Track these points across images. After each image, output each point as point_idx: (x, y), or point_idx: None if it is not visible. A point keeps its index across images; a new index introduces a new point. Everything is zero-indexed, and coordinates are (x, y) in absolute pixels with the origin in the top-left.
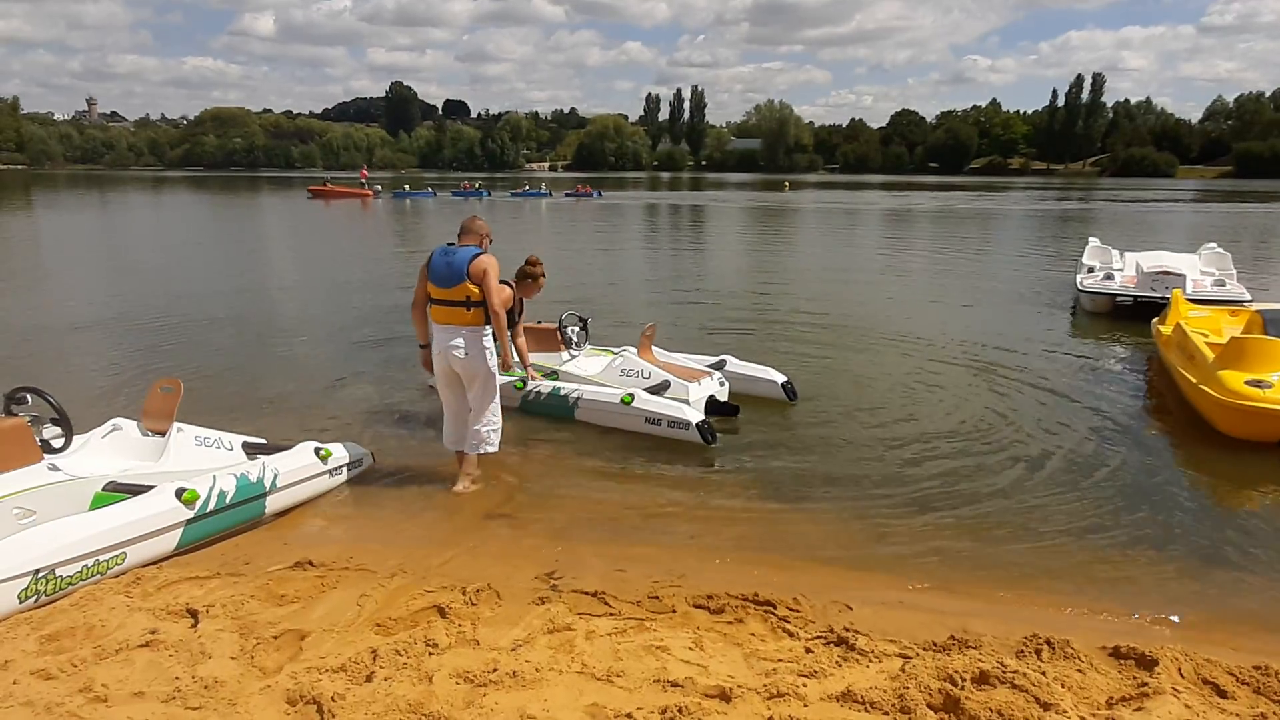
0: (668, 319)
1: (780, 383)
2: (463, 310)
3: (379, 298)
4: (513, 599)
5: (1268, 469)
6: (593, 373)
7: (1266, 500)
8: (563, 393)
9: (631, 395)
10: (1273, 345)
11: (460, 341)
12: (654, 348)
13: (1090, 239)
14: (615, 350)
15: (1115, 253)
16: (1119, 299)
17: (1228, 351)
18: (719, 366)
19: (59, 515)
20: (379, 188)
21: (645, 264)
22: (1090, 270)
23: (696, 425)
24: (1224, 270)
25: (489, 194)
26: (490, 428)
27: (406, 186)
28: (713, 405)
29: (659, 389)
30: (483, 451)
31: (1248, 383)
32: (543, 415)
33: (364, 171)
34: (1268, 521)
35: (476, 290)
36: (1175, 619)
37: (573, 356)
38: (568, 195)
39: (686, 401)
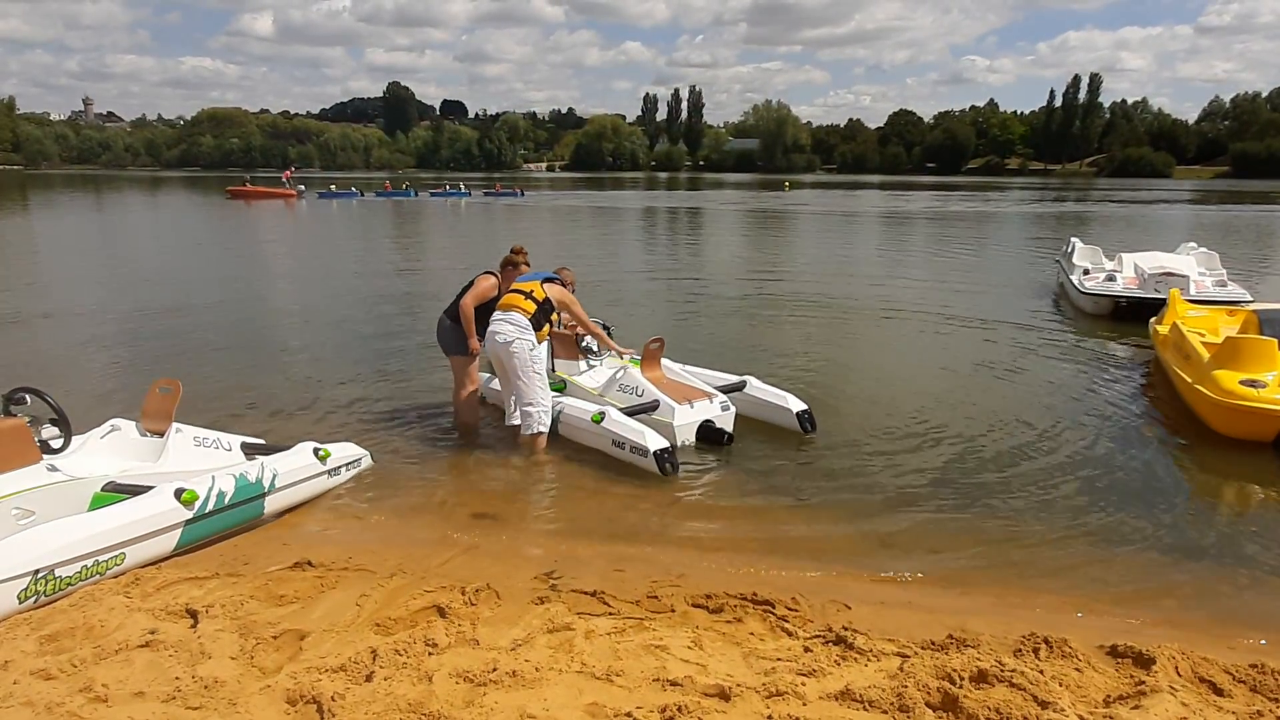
0: (645, 311)
1: (796, 411)
2: (522, 298)
3: (379, 299)
4: (512, 599)
5: (1262, 468)
6: (596, 385)
7: (1261, 499)
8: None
9: (602, 414)
10: (1267, 345)
11: (506, 329)
12: (670, 362)
13: (1073, 240)
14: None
15: (1101, 253)
16: (1121, 300)
17: (1223, 351)
18: (738, 388)
19: (58, 516)
20: (302, 188)
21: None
22: (1086, 272)
23: (654, 454)
24: (1213, 270)
25: (415, 194)
26: (537, 408)
27: (332, 187)
28: (708, 429)
29: (646, 409)
30: (533, 432)
31: (1242, 382)
32: None
33: (288, 173)
34: (1262, 520)
35: (543, 293)
36: (1173, 618)
37: (591, 366)
38: (487, 194)
39: (671, 424)
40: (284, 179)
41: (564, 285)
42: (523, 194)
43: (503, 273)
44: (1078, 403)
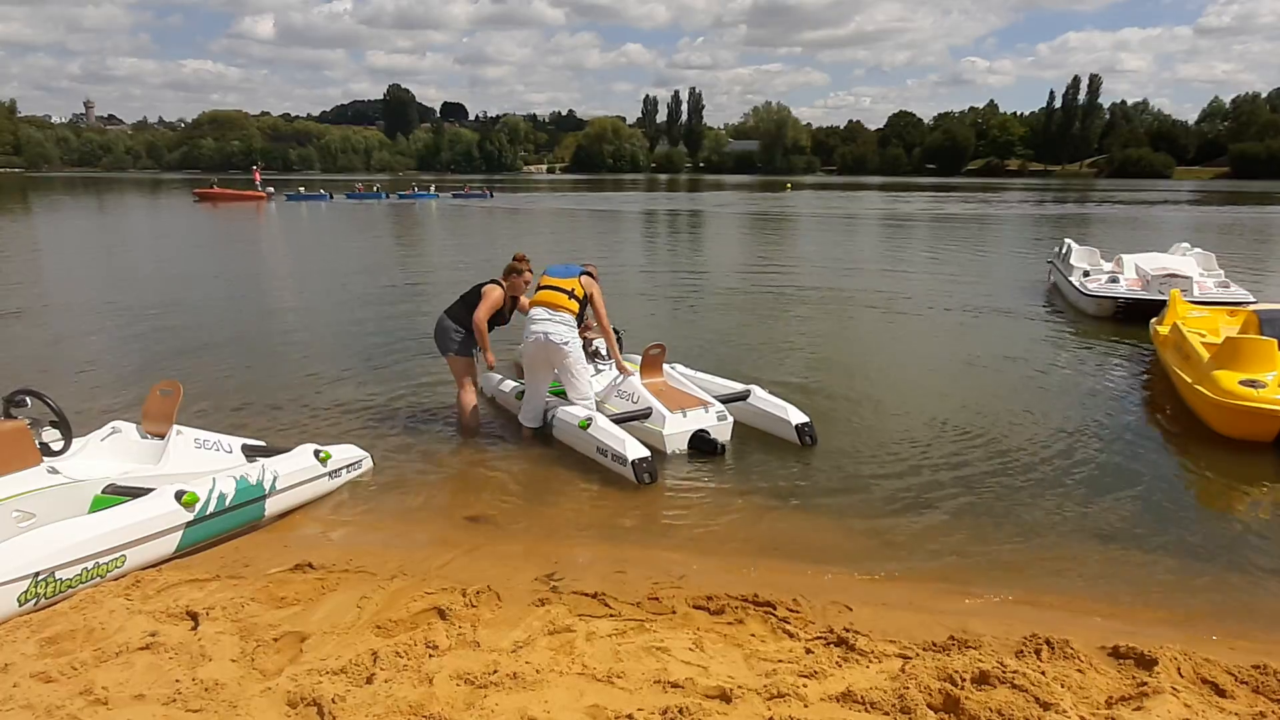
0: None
1: (795, 424)
2: (565, 296)
3: (377, 301)
4: (513, 600)
5: (1263, 468)
6: (598, 390)
7: (1262, 499)
8: (545, 408)
9: (589, 420)
10: (1266, 345)
11: (561, 329)
12: (681, 368)
13: (1067, 241)
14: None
15: (1099, 254)
16: (1122, 302)
17: (1223, 351)
18: (742, 397)
19: (58, 518)
20: (271, 190)
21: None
22: (1086, 274)
23: (632, 463)
24: (1210, 271)
25: (385, 196)
26: (588, 399)
27: (301, 189)
28: (701, 439)
29: (639, 416)
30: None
31: (1242, 383)
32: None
33: (257, 173)
34: (1263, 520)
35: (582, 290)
36: (1175, 618)
37: (598, 370)
38: (456, 196)
39: (662, 432)
40: (254, 180)
41: (594, 275)
42: (491, 195)
43: (507, 281)
44: (1077, 404)
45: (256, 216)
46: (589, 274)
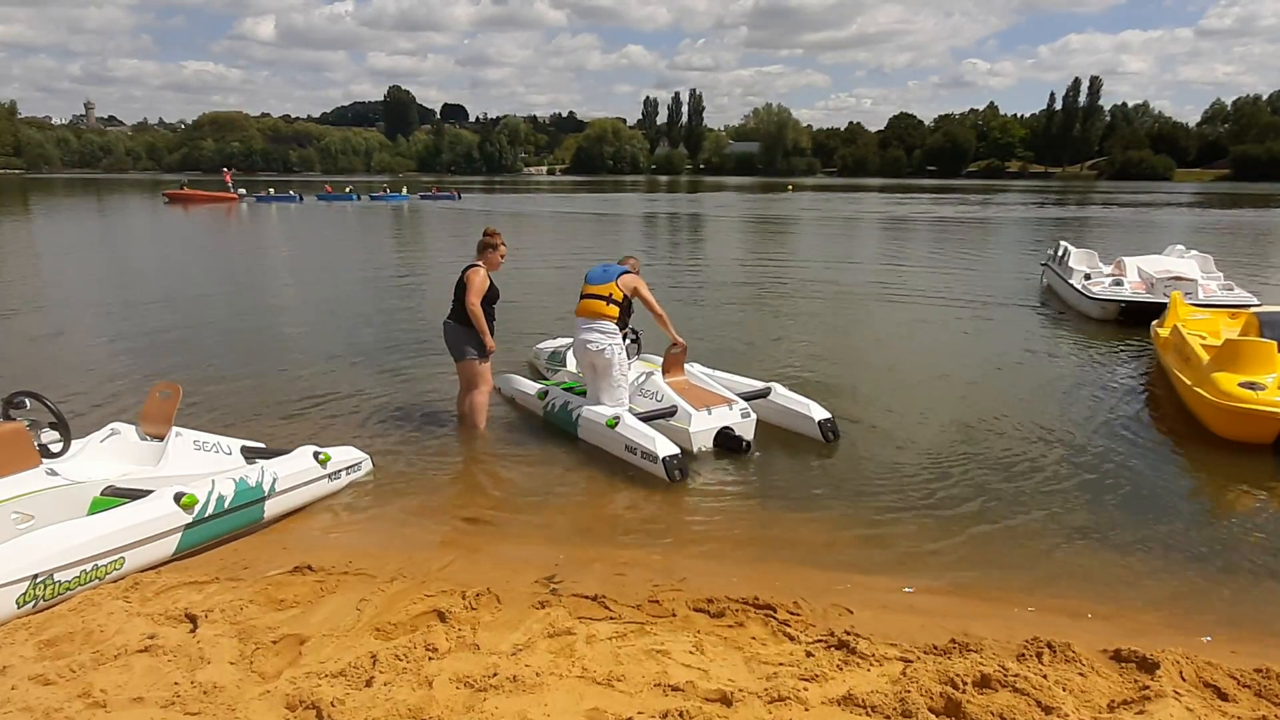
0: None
1: (818, 420)
2: (604, 304)
3: (377, 303)
4: (513, 603)
5: (1263, 470)
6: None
7: (1262, 502)
8: (570, 407)
9: (617, 419)
10: (1266, 348)
11: (597, 337)
12: (700, 367)
13: (1063, 244)
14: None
15: (1097, 257)
16: (1126, 305)
17: (1222, 354)
18: (763, 395)
19: (57, 520)
20: (243, 191)
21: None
22: (1087, 277)
23: (663, 460)
24: (1209, 273)
25: (358, 198)
26: (620, 406)
27: (270, 190)
28: (727, 436)
29: (664, 414)
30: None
31: (1241, 385)
32: (557, 428)
33: (228, 174)
34: (1264, 523)
35: (620, 293)
36: (1177, 622)
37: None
38: (424, 197)
39: (688, 430)
40: (225, 182)
41: (633, 270)
42: (459, 197)
43: (483, 258)
44: (1079, 407)
45: (228, 218)
46: (627, 271)
